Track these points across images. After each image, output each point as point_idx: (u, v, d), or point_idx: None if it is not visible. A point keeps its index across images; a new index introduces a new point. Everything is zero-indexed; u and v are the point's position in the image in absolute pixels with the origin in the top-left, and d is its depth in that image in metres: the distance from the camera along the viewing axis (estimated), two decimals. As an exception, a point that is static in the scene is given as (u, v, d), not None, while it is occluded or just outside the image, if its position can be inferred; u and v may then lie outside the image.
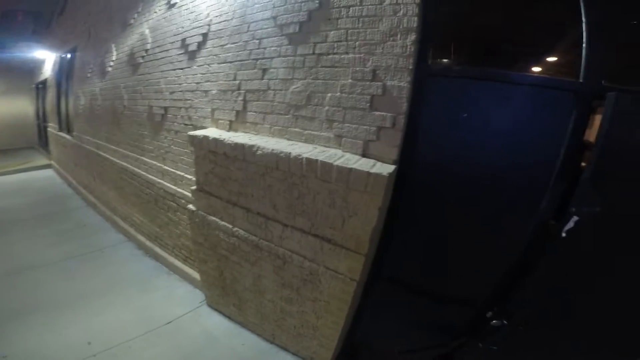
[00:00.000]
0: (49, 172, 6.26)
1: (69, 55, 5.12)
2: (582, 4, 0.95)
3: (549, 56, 1.12)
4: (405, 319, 1.37)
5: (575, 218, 0.91)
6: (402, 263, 1.31)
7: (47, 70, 6.63)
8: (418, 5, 1.10)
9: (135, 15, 2.85)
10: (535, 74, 1.14)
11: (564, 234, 0.93)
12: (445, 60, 1.24)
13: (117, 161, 3.16)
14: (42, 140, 8.07)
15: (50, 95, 6.30)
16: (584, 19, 0.96)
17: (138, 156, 2.78)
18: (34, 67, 8.09)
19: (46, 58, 6.80)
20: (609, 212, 0.90)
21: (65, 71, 5.33)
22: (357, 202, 1.11)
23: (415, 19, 1.10)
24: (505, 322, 1.06)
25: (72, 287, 2.21)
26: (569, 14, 0.99)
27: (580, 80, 0.97)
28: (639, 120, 0.86)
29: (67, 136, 5.06)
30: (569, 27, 1.02)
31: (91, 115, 3.80)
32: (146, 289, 2.26)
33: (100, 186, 3.76)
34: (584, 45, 0.96)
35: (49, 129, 6.56)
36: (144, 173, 2.69)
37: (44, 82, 7.05)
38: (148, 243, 2.78)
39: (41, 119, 8.09)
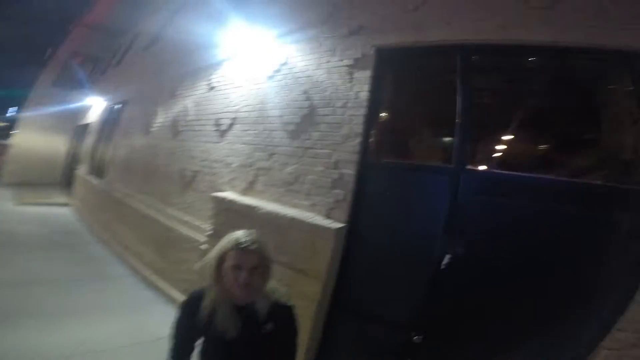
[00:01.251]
0: (65, 210, 8.76)
1: (117, 107, 7.90)
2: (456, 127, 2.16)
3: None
4: (352, 338, 2.38)
5: (448, 256, 1.98)
6: (350, 290, 2.41)
7: (92, 116, 9.88)
8: (363, 116, 2.43)
9: (182, 89, 4.93)
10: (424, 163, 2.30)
11: (442, 266, 1.99)
12: (376, 155, 2.50)
13: (143, 208, 4.93)
14: (65, 180, 11.27)
15: (90, 140, 9.28)
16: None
17: (163, 207, 4.46)
18: (78, 111, 11.88)
19: (93, 104, 10.15)
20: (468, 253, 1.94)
21: (111, 121, 8.10)
22: (319, 245, 2.29)
23: (361, 126, 2.43)
24: (422, 336, 2.00)
25: (79, 300, 3.66)
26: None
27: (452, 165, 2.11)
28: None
29: (96, 180, 7.45)
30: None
31: (127, 166, 5.94)
32: (143, 311, 3.62)
33: (118, 226, 5.60)
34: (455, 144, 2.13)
35: (77, 171, 9.41)
36: (164, 221, 4.29)
37: (85, 126, 10.36)
38: (153, 276, 4.28)
39: (70, 160, 11.50)
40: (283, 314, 1.46)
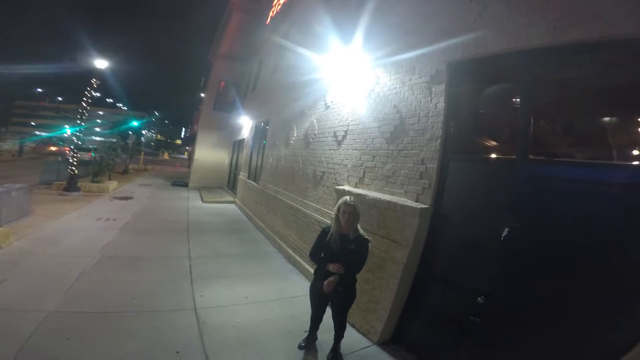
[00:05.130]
0: (232, 206, 11.70)
1: (262, 125, 10.21)
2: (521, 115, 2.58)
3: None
4: (430, 296, 3.08)
5: (507, 229, 2.48)
6: (432, 258, 3.11)
7: (245, 133, 12.79)
8: (442, 122, 3.08)
9: (307, 108, 6.34)
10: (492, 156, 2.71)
11: (502, 238, 2.50)
12: (454, 152, 3.06)
13: (288, 201, 6.61)
14: (230, 183, 14.88)
15: (245, 152, 12.15)
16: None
17: (302, 199, 5.95)
18: (233, 129, 15.39)
19: (243, 124, 13.12)
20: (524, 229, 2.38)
21: (259, 137, 10.49)
22: (408, 221, 3.10)
23: (441, 130, 3.08)
24: (485, 299, 2.58)
25: (244, 269, 5.40)
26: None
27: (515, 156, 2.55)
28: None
29: (254, 183, 9.87)
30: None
31: (275, 171, 7.86)
32: (284, 279, 5.12)
33: (271, 217, 7.53)
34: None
35: (239, 176, 12.42)
36: (303, 209, 5.77)
37: (241, 142, 13.48)
38: (292, 253, 5.79)
39: (233, 168, 15.11)
40: (361, 242, 2.82)
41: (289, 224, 6.39)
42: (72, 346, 2.85)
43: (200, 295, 4.13)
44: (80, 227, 6.75)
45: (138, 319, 3.42)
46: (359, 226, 2.85)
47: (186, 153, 48.59)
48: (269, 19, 11.52)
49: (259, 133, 10.57)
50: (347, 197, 2.88)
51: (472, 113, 3.19)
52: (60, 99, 68.31)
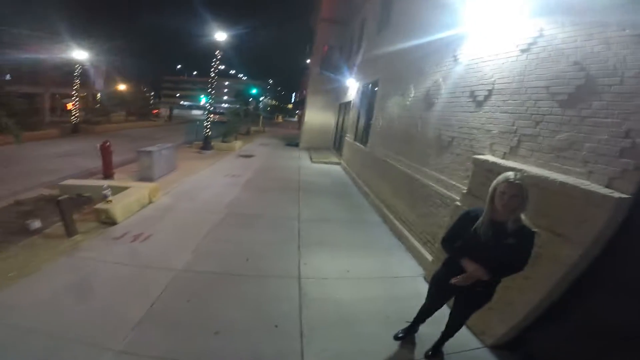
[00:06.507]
0: (338, 168, 11.87)
1: (370, 86, 9.66)
2: None
3: None
4: (595, 309, 2.32)
5: None
6: (616, 264, 2.31)
7: (351, 95, 12.45)
8: None
9: (429, 66, 5.50)
10: None
11: None
12: None
13: (401, 167, 6.15)
14: (336, 145, 15.07)
15: (352, 114, 11.89)
16: None
17: (420, 167, 5.43)
18: (339, 92, 15.20)
19: (349, 85, 12.74)
20: None
21: (367, 98, 10.03)
22: (591, 213, 2.35)
23: None
24: None
25: (348, 237, 5.27)
26: None
27: None
28: None
29: (361, 145, 9.63)
30: None
31: (386, 134, 7.39)
32: (388, 254, 4.81)
33: (378, 182, 7.23)
34: None
35: (345, 138, 12.38)
36: (421, 178, 5.26)
37: (347, 104, 13.24)
38: (399, 225, 5.44)
39: (339, 130, 15.17)
40: (526, 235, 2.08)
41: (399, 193, 6.01)
42: (189, 310, 3.13)
43: (305, 264, 4.25)
44: (211, 182, 7.92)
45: (248, 284, 3.68)
46: (522, 215, 2.11)
47: (296, 116, 51.98)
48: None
49: (367, 94, 10.05)
50: (511, 174, 2.08)
51: None
52: (195, 73, 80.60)
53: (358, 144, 10.15)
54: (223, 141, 13.81)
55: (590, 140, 2.59)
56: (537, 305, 2.69)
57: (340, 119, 14.90)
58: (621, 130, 2.38)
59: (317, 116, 16.76)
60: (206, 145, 12.32)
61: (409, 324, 2.94)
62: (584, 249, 2.39)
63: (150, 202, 5.99)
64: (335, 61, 15.37)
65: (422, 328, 2.95)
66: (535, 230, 2.14)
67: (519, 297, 2.78)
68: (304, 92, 21.68)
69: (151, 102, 32.41)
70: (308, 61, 20.01)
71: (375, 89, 8.93)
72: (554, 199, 2.65)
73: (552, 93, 2.97)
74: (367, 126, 9.40)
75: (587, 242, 2.37)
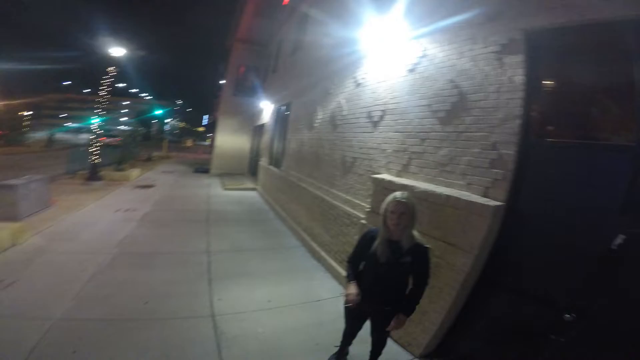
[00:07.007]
0: (253, 193, 11.25)
1: (283, 108, 9.55)
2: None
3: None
4: (495, 310, 2.44)
5: (622, 236, 1.79)
6: (502, 266, 2.44)
7: (265, 117, 12.18)
8: (521, 99, 2.33)
9: (333, 87, 5.60)
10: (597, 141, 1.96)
11: (614, 247, 1.82)
12: (539, 135, 2.31)
13: (312, 190, 5.99)
14: (252, 170, 14.44)
15: (266, 137, 11.57)
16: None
17: (329, 188, 5.33)
18: (253, 114, 14.82)
19: (263, 108, 12.49)
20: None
21: (280, 121, 9.86)
22: (475, 222, 2.41)
23: (520, 108, 2.33)
24: (574, 316, 1.93)
25: (266, 265, 4.85)
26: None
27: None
28: None
29: (276, 169, 9.31)
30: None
31: (298, 157, 7.23)
32: (309, 277, 4.53)
33: (293, 206, 6.96)
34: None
35: (260, 162, 11.93)
36: (330, 199, 5.14)
37: (261, 126, 12.91)
38: (317, 248, 5.20)
39: (254, 154, 14.63)
40: (420, 252, 2.10)
41: (313, 215, 5.80)
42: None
43: (219, 299, 3.66)
44: (99, 219, 6.44)
45: (149, 329, 2.99)
46: (414, 231, 2.13)
47: (208, 140, 48.89)
48: (287, -2, 10.63)
49: (280, 117, 9.92)
50: (398, 193, 2.12)
51: (565, 89, 2.36)
52: (88, 90, 69.94)
53: (273, 167, 9.80)
54: (117, 169, 11.81)
55: (466, 154, 2.73)
56: (448, 312, 2.66)
57: (256, 143, 14.41)
58: (489, 142, 2.53)
59: (230, 140, 15.87)
60: (93, 175, 10.30)
61: (337, 347, 2.72)
62: (475, 255, 2.44)
63: (13, 245, 4.52)
64: (251, 82, 15.03)
65: (353, 349, 2.75)
66: (428, 246, 2.13)
67: (430, 306, 2.73)
68: (216, 114, 20.58)
69: (26, 123, 26.73)
70: (222, 82, 19.27)
71: (288, 111, 8.86)
72: (443, 212, 2.68)
73: (434, 110, 3.12)
74: (282, 149, 9.18)
75: (475, 248, 2.43)
